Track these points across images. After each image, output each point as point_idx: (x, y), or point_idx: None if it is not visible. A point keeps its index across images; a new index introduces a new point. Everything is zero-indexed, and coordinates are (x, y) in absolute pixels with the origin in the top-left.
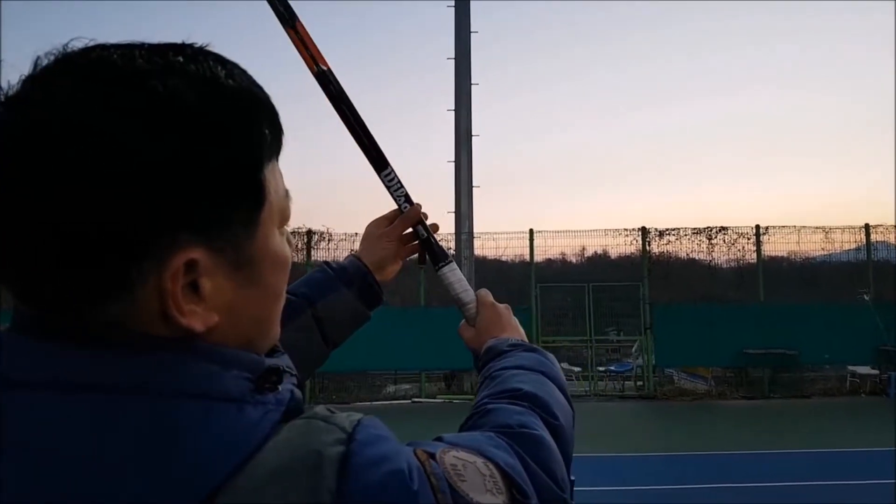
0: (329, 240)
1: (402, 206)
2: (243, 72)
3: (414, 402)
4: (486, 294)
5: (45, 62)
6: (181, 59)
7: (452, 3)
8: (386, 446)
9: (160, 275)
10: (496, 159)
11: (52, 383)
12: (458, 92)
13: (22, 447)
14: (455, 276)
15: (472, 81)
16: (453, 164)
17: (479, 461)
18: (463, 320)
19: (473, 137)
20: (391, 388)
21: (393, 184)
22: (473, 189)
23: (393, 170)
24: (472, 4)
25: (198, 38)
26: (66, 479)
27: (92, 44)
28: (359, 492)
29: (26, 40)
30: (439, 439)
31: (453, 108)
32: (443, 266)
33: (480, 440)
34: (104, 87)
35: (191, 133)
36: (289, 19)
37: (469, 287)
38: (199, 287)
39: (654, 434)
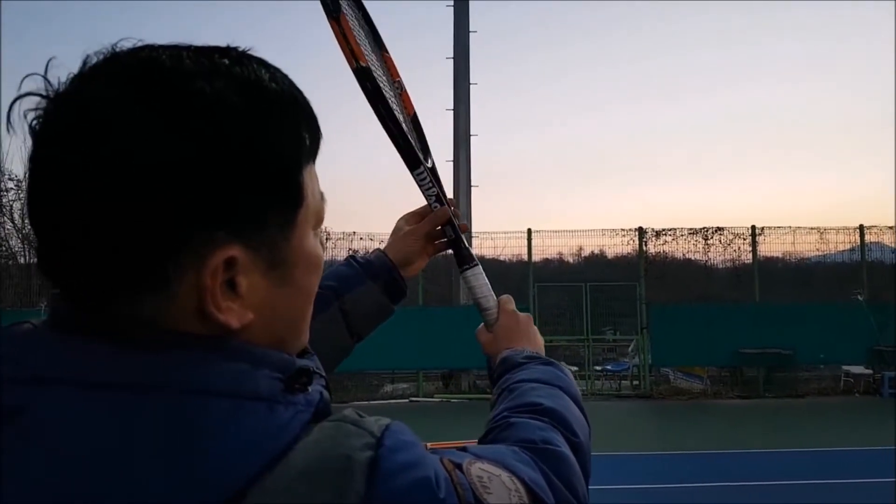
0: (327, 239)
1: (433, 206)
2: (285, 76)
3: (411, 401)
4: (509, 301)
5: (93, 61)
6: (227, 61)
7: (451, 3)
8: (414, 453)
9: (199, 271)
10: (494, 159)
11: (74, 379)
12: (457, 91)
13: (43, 443)
14: (478, 280)
15: (471, 81)
16: (452, 163)
17: (505, 475)
18: (482, 324)
19: (472, 137)
20: (389, 388)
21: (425, 183)
22: (472, 188)
23: (426, 168)
24: (471, 4)
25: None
26: (86, 477)
27: (140, 44)
28: (387, 497)
29: (27, 42)
30: (464, 450)
31: (452, 107)
32: (467, 269)
33: (506, 454)
34: (151, 87)
35: (234, 134)
36: (333, 11)
37: (491, 292)
38: (235, 285)
39: (650, 433)
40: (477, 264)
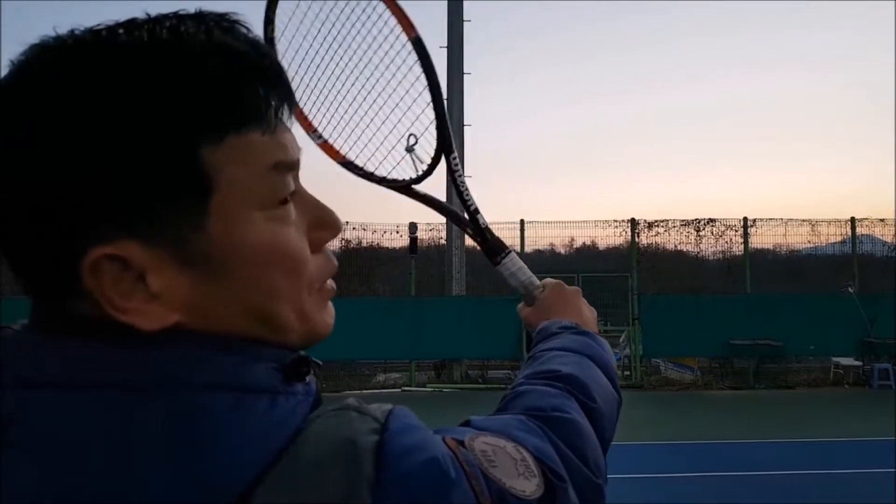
0: None
1: (465, 191)
2: (186, 37)
3: (404, 391)
4: (554, 280)
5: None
6: (107, 32)
7: None
8: (419, 435)
9: (83, 272)
10: (488, 149)
11: (61, 381)
12: (451, 81)
13: (37, 450)
14: (520, 262)
15: (465, 71)
16: None
17: (510, 445)
18: (522, 303)
19: (465, 127)
20: (381, 378)
21: (458, 168)
22: (465, 179)
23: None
24: None
25: None
26: (84, 483)
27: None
28: (397, 480)
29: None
30: (467, 423)
31: (446, 96)
32: (505, 257)
33: (511, 424)
34: (16, 71)
35: (98, 118)
36: None
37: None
38: (146, 283)
39: (641, 423)
40: (511, 251)
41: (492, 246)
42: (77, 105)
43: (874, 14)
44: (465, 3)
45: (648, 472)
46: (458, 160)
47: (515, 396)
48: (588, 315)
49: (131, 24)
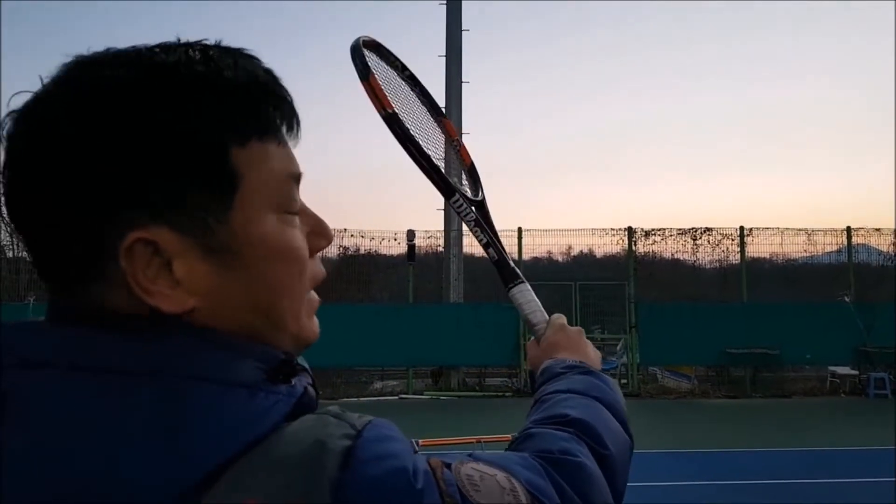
0: None
1: (473, 229)
2: (217, 59)
3: (401, 398)
4: (559, 317)
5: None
6: (157, 49)
7: (444, 1)
8: (394, 446)
9: (118, 255)
10: (485, 157)
11: (60, 363)
12: (449, 90)
13: (35, 422)
14: (525, 296)
15: (463, 79)
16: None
17: (501, 475)
18: (532, 338)
19: (463, 135)
20: (378, 385)
21: (462, 209)
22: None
23: (461, 196)
24: (464, 3)
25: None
26: (68, 452)
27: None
28: (360, 484)
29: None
30: (470, 456)
31: (444, 105)
32: (513, 286)
33: (510, 458)
34: (66, 82)
35: (133, 118)
36: (365, 74)
37: (540, 307)
38: (172, 270)
39: (638, 431)
40: (523, 281)
41: (503, 276)
42: (126, 109)
43: (875, 15)
44: (463, 12)
45: (645, 481)
46: (459, 202)
47: (525, 439)
48: (593, 355)
49: (166, 45)
